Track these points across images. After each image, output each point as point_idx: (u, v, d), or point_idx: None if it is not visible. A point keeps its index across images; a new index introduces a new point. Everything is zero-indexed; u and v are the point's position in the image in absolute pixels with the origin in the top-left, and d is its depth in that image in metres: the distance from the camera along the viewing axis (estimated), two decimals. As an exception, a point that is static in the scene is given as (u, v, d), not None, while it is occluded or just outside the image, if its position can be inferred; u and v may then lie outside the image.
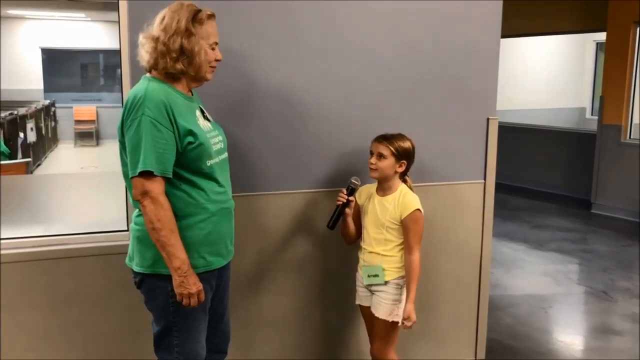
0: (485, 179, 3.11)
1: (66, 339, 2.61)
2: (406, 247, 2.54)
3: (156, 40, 2.01)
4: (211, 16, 2.09)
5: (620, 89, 6.76)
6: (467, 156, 3.08)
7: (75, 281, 2.60)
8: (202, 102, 2.27)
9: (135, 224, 2.10)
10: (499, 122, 3.13)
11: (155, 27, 2.03)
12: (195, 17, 2.04)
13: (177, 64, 2.02)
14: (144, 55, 2.05)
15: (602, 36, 7.49)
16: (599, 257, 5.52)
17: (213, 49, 2.10)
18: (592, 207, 7.15)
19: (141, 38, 2.06)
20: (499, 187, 3.19)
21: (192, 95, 2.17)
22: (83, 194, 3.86)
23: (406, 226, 2.52)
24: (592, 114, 10.99)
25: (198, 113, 2.13)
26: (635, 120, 6.88)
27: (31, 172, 7.89)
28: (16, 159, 8.25)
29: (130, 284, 2.60)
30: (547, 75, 10.78)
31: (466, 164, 3.08)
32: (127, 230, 2.68)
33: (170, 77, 2.06)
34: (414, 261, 2.51)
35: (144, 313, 2.63)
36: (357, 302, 2.70)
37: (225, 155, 2.21)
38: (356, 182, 2.59)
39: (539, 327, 3.99)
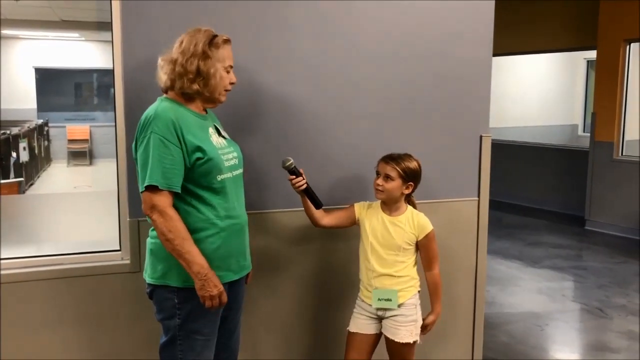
0: (479, 196, 3.12)
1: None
2: (426, 264, 2.57)
3: (174, 62, 2.11)
4: (227, 41, 2.19)
5: (612, 106, 6.82)
6: (460, 173, 3.08)
7: (68, 301, 2.57)
8: (219, 120, 2.35)
9: (150, 237, 2.18)
10: (492, 140, 3.14)
11: (174, 50, 2.13)
12: (212, 41, 2.14)
13: (193, 84, 2.11)
14: (162, 76, 2.14)
15: (592, 54, 7.58)
16: (593, 273, 5.51)
17: (228, 72, 2.20)
18: (585, 224, 7.17)
19: (160, 61, 2.16)
20: (492, 205, 3.19)
21: (207, 113, 2.25)
22: (76, 214, 3.83)
23: (424, 246, 2.54)
24: (584, 131, 11.06)
25: (211, 130, 2.20)
26: (627, 137, 6.93)
27: (23, 192, 7.85)
28: (8, 178, 8.21)
29: (123, 303, 2.61)
30: (538, 92, 10.85)
31: (460, 182, 3.09)
32: (120, 250, 2.67)
33: (185, 97, 2.15)
34: (436, 276, 2.58)
35: (138, 333, 2.63)
36: (354, 330, 2.59)
37: (240, 171, 2.28)
38: (291, 160, 2.44)
39: (535, 345, 3.97)
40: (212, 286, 2.05)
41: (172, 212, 2.03)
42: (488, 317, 3.97)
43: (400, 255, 2.50)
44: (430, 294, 2.61)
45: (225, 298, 2.11)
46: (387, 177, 2.48)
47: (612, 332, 4.19)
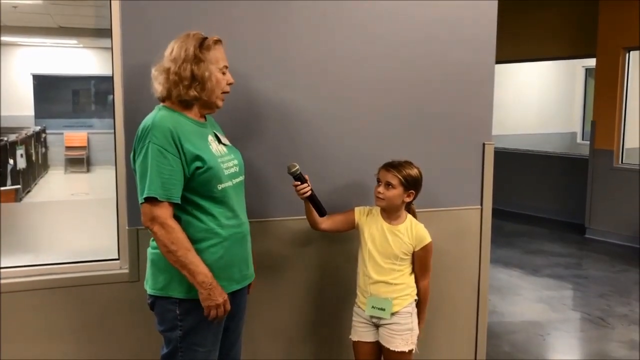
0: (482, 204, 3.09)
1: (54, 372, 2.54)
2: (417, 275, 2.55)
3: (167, 71, 2.08)
4: (218, 42, 2.15)
5: (612, 114, 6.81)
6: (463, 182, 3.06)
7: (66, 311, 2.53)
8: (220, 127, 2.32)
9: (151, 247, 2.14)
10: (493, 147, 3.12)
11: (166, 59, 2.10)
12: (202, 44, 2.10)
13: (190, 90, 2.08)
14: (157, 87, 2.11)
15: (591, 62, 7.58)
16: (594, 282, 5.48)
17: (224, 73, 2.16)
18: (585, 232, 7.15)
19: (153, 71, 2.12)
20: (492, 212, 3.17)
21: (206, 120, 2.21)
22: (73, 222, 3.79)
23: (420, 257, 2.52)
24: (582, 139, 11.05)
25: (211, 138, 2.17)
26: (627, 145, 6.92)
27: (20, 200, 7.80)
28: (5, 185, 8.17)
29: (122, 313, 2.57)
30: (537, 100, 10.86)
31: (463, 190, 3.06)
32: (118, 259, 2.63)
33: (182, 104, 2.11)
34: (424, 288, 2.57)
35: (138, 343, 2.59)
36: (355, 339, 2.59)
37: (241, 178, 2.25)
38: (297, 166, 2.41)
39: (537, 355, 3.93)
40: (217, 295, 2.03)
41: (173, 224, 2.00)
42: (490, 326, 3.93)
43: (397, 264, 2.48)
44: (419, 304, 2.59)
45: (228, 306, 2.08)
46: (388, 185, 2.45)
47: (614, 342, 4.16)
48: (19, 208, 5.27)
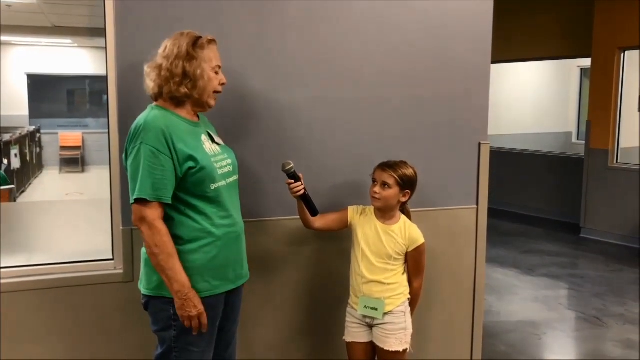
0: (477, 204, 3.08)
1: (48, 373, 2.52)
2: (412, 274, 2.56)
3: (159, 67, 2.07)
4: (212, 41, 2.15)
5: (607, 114, 6.83)
6: (459, 181, 3.05)
7: (60, 312, 2.52)
8: (213, 126, 2.31)
9: (145, 247, 2.11)
10: (487, 147, 3.11)
11: (159, 56, 2.10)
12: (196, 42, 2.10)
13: (181, 87, 2.07)
14: (149, 84, 2.10)
15: (586, 62, 7.58)
16: (590, 282, 5.49)
17: (216, 72, 2.15)
18: (581, 232, 7.16)
19: (146, 68, 2.12)
20: (488, 212, 3.17)
21: (199, 119, 2.20)
22: (68, 222, 3.77)
23: (412, 257, 2.52)
24: (578, 139, 11.08)
25: (204, 137, 2.16)
26: (622, 145, 6.94)
27: (14, 200, 7.77)
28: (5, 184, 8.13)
29: (117, 313, 2.56)
30: (533, 100, 10.87)
31: (459, 189, 3.05)
32: (113, 260, 2.61)
33: (174, 102, 2.10)
34: (419, 288, 2.58)
35: (132, 343, 2.58)
36: (349, 339, 2.59)
37: (235, 178, 2.23)
38: (292, 164, 2.40)
39: (533, 355, 3.93)
40: (191, 307, 2.01)
41: (160, 225, 1.99)
42: (486, 326, 3.93)
43: (390, 264, 2.49)
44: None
45: (204, 320, 2.05)
46: (385, 185, 2.45)
47: (610, 341, 4.17)
48: (13, 208, 5.24)
